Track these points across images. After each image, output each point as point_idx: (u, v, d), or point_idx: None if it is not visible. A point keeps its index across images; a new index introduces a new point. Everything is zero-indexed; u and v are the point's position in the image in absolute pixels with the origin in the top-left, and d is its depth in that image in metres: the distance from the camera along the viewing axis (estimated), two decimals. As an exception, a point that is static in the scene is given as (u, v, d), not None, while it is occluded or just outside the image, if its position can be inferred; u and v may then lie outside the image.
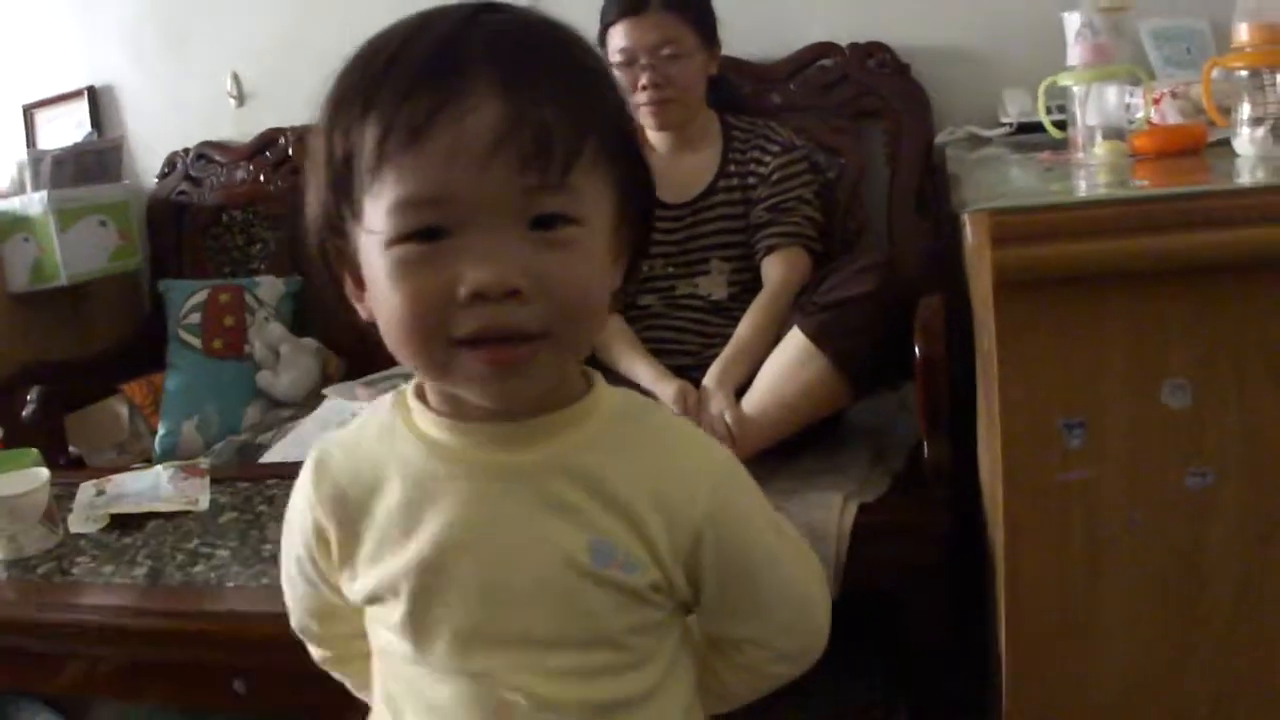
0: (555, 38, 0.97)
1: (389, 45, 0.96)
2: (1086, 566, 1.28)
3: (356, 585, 1.06)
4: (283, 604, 1.64)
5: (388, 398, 1.08)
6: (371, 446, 1.05)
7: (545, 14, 0.98)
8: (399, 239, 0.90)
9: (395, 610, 1.02)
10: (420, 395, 1.05)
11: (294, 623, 1.24)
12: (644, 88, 2.34)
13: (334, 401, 2.73)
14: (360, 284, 0.97)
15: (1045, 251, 1.16)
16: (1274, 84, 1.54)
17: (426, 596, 1.01)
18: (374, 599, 1.05)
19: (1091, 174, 1.64)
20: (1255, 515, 1.28)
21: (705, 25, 2.40)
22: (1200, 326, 1.21)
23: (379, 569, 1.03)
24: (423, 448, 1.02)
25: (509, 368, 0.91)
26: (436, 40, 0.93)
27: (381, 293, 0.92)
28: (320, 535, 1.08)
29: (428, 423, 1.03)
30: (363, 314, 0.98)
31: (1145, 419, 1.23)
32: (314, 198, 0.97)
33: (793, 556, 1.11)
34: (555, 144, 0.89)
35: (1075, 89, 1.76)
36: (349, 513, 1.05)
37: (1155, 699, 1.36)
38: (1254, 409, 1.25)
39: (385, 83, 0.92)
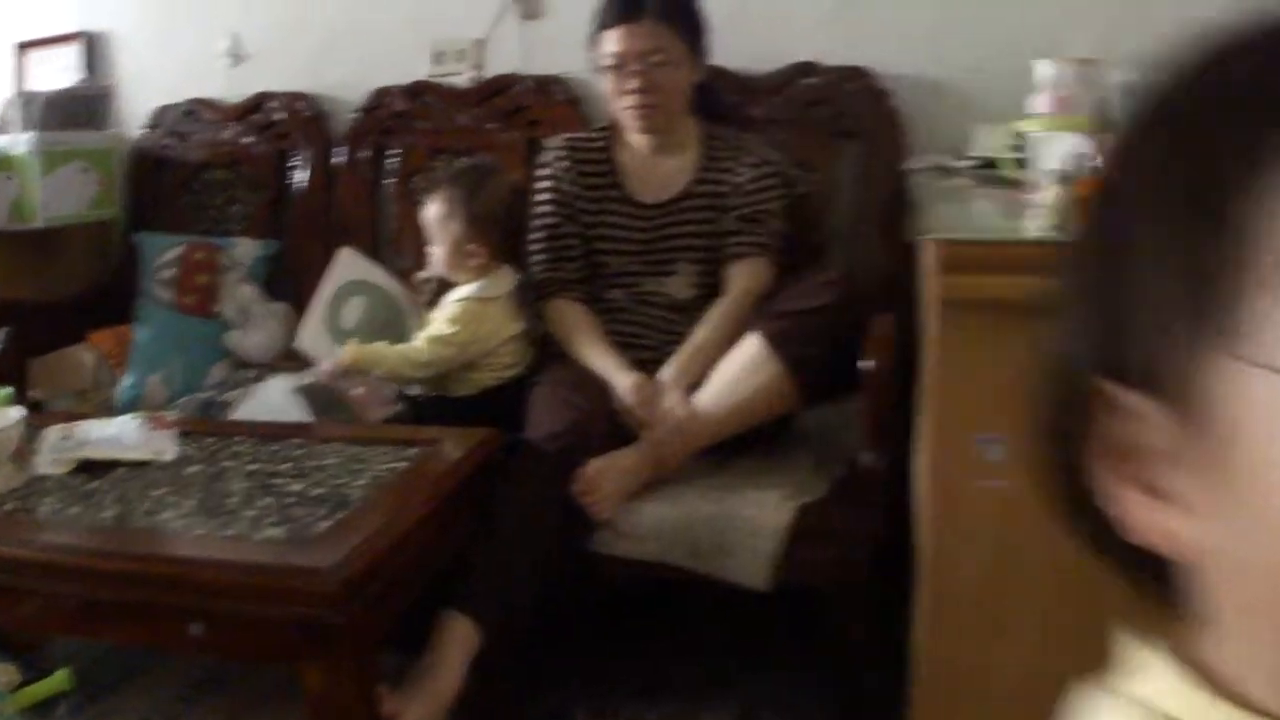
0: None
1: None
2: (996, 568, 1.38)
3: None
4: (246, 554, 1.74)
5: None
6: None
7: None
8: None
9: None
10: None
11: None
12: (631, 92, 2.42)
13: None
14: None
15: (986, 281, 1.26)
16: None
17: None
18: None
19: (1040, 214, 1.74)
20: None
21: (696, 36, 2.49)
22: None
23: None
24: None
25: None
26: None
27: None
28: None
29: None
30: (1161, 541, 0.50)
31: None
32: (1091, 304, 0.51)
33: None
34: None
35: (1035, 135, 1.85)
36: None
37: (1052, 695, 1.45)
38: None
39: None
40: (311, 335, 2.56)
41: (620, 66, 2.42)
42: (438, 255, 2.51)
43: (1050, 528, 1.36)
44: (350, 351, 2.44)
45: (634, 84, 2.41)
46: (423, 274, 2.61)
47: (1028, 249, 1.30)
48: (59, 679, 1.69)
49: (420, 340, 2.46)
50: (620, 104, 2.46)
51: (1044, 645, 1.41)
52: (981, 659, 1.42)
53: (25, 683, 1.64)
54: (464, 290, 2.49)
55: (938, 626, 1.44)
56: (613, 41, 2.42)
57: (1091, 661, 1.43)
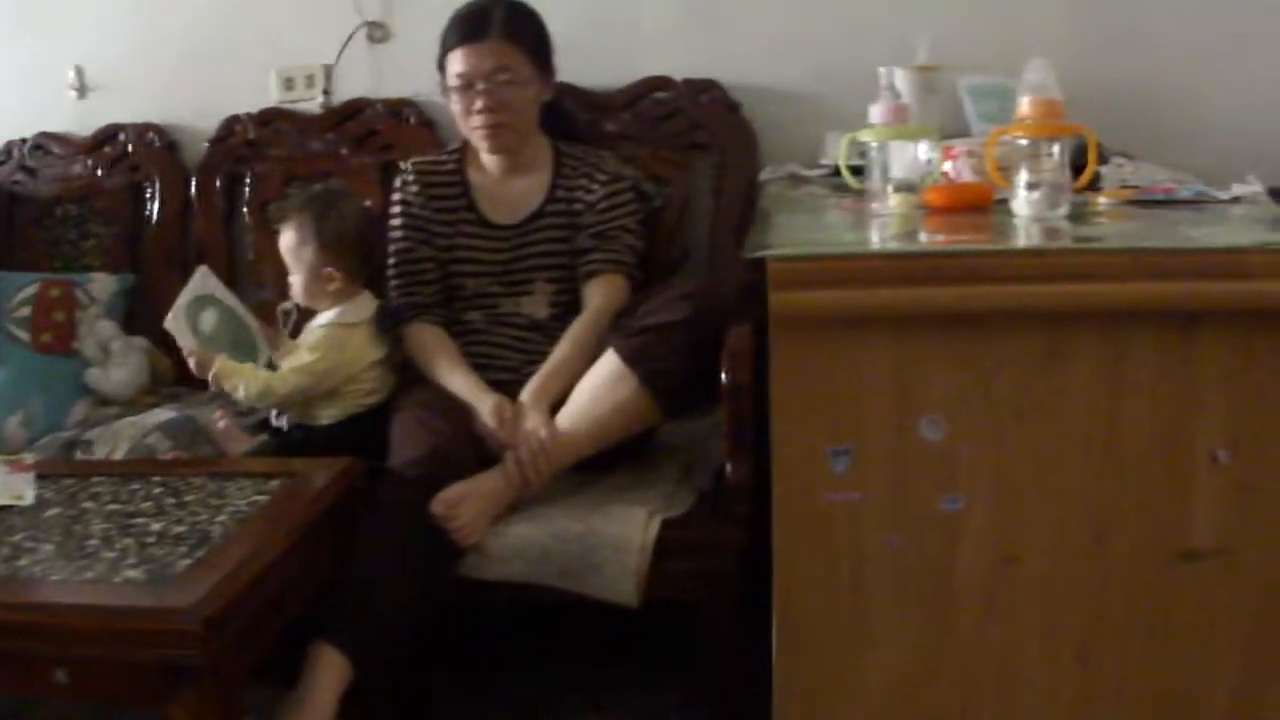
0: None
1: None
2: (851, 580, 1.41)
3: None
4: (105, 598, 1.72)
5: None
6: None
7: None
8: None
9: None
10: None
11: None
12: (479, 112, 2.43)
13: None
14: None
15: (816, 297, 1.29)
16: (1049, 153, 1.70)
17: None
18: None
19: (884, 224, 1.78)
20: (1000, 537, 1.42)
21: (541, 54, 2.51)
22: (955, 369, 1.35)
23: None
24: None
25: None
26: None
27: None
28: None
29: None
30: None
31: (905, 449, 1.37)
32: None
33: None
34: None
35: (873, 144, 1.89)
36: None
37: (912, 702, 1.49)
38: (1001, 444, 1.40)
39: None
40: (174, 322, 2.52)
41: (467, 87, 2.43)
42: (296, 283, 2.50)
43: (898, 538, 1.40)
44: (220, 362, 2.41)
45: (481, 104, 2.42)
46: (285, 304, 2.59)
47: (854, 262, 1.33)
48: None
49: (283, 369, 2.44)
50: (469, 124, 2.47)
51: (900, 656, 1.45)
52: (839, 670, 1.46)
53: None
54: (325, 316, 2.48)
55: (795, 640, 1.47)
56: (458, 62, 2.43)
57: (946, 664, 1.48)
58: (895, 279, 1.30)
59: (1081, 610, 1.48)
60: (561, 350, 2.37)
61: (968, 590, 1.44)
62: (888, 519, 1.39)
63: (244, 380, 2.40)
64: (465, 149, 2.60)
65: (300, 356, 2.44)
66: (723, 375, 2.10)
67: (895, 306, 1.30)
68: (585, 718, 2.40)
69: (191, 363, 2.45)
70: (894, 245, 1.52)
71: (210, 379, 2.42)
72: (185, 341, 2.47)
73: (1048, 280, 1.36)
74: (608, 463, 2.29)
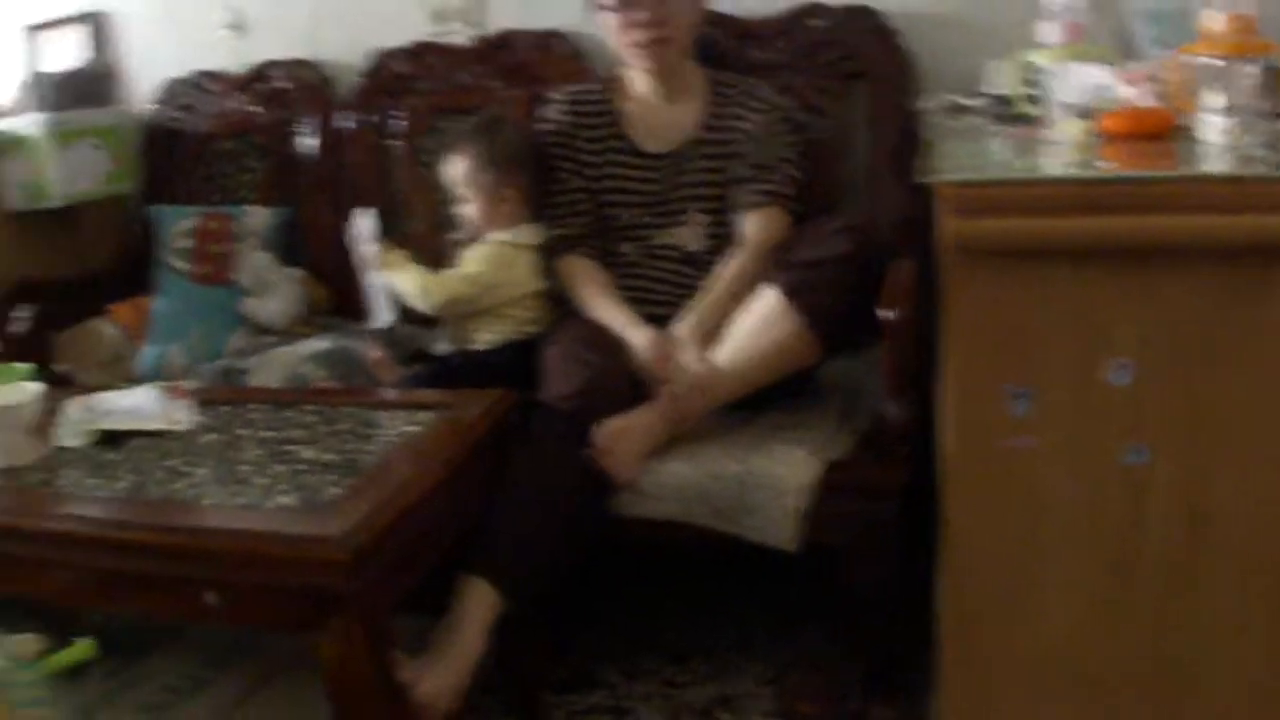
0: None
1: None
2: (1025, 529, 1.33)
3: None
4: (257, 523, 1.73)
5: None
6: None
7: None
8: None
9: None
10: None
11: None
12: (639, 25, 2.36)
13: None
14: None
15: (1001, 225, 1.21)
16: (1246, 73, 1.56)
17: None
18: None
19: (1059, 152, 1.68)
20: (1189, 496, 1.32)
21: None
22: (1144, 308, 1.26)
23: None
24: None
25: None
26: None
27: None
28: None
29: None
30: None
31: (1088, 393, 1.28)
32: None
33: None
34: None
35: (1048, 66, 1.79)
36: None
37: (1079, 668, 1.41)
38: (1192, 391, 1.30)
39: None
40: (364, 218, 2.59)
41: (627, 2, 2.36)
42: (472, 211, 2.50)
43: (1077, 489, 1.31)
44: (393, 255, 2.49)
45: (643, 15, 2.35)
46: (454, 235, 2.59)
47: (1040, 189, 1.25)
48: (83, 648, 1.69)
49: (446, 274, 2.47)
50: (626, 39, 2.39)
51: (1075, 611, 1.36)
52: (1006, 624, 1.38)
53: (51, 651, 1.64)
54: (497, 236, 2.49)
55: (963, 592, 1.40)
56: None
57: (1123, 628, 1.39)
58: (1082, 207, 1.22)
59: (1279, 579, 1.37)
60: (718, 284, 2.31)
61: (1151, 554, 1.34)
62: (1066, 468, 1.30)
63: (410, 275, 2.46)
64: (617, 78, 2.54)
65: (466, 265, 2.47)
66: (885, 312, 2.03)
67: (1081, 237, 1.22)
68: (736, 662, 2.37)
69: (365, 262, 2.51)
70: (1079, 171, 1.43)
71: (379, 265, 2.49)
72: (370, 241, 2.53)
73: (1246, 210, 1.26)
74: (764, 401, 2.24)
